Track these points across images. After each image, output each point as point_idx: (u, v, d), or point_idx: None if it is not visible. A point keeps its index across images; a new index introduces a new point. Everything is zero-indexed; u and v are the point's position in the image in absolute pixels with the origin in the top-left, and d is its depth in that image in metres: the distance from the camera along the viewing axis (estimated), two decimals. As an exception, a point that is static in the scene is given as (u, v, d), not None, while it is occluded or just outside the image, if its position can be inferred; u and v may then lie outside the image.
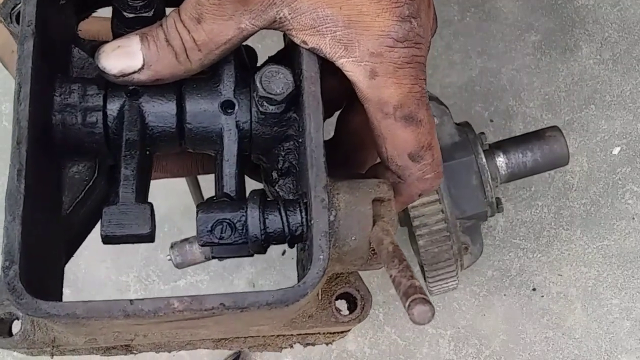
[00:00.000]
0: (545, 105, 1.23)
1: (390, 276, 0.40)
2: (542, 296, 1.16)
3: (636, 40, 1.24)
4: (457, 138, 0.88)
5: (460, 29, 1.30)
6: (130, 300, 0.40)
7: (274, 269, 1.22)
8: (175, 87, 0.47)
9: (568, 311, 1.15)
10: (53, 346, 0.49)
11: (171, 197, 1.26)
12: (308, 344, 0.55)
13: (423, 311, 0.36)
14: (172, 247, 0.94)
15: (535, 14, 1.27)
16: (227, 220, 0.45)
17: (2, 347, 0.48)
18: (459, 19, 1.30)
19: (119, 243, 0.45)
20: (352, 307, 0.51)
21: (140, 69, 0.45)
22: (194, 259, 0.96)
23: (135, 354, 0.53)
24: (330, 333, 0.53)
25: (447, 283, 0.94)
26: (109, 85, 0.46)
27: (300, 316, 0.50)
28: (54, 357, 0.52)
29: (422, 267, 0.96)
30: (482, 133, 0.92)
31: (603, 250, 1.17)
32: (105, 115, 0.46)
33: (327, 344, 0.56)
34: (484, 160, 0.88)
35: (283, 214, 0.45)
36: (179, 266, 0.97)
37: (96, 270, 1.25)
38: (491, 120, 1.23)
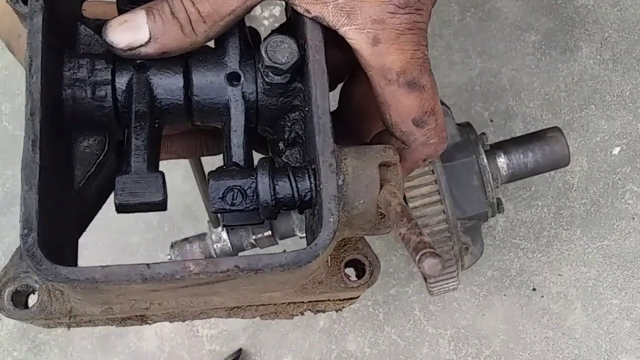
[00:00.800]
0: (545, 105, 1.23)
1: (400, 234, 0.41)
2: (542, 296, 1.16)
3: (636, 40, 1.24)
4: (459, 139, 0.88)
5: (460, 29, 1.30)
6: (148, 264, 0.41)
7: (274, 269, 1.22)
8: (182, 60, 0.48)
9: (568, 311, 1.15)
10: (70, 316, 0.50)
11: (171, 197, 1.25)
12: (318, 311, 0.55)
13: (433, 264, 0.38)
14: (172, 246, 0.95)
15: (535, 14, 1.27)
16: (238, 187, 0.46)
17: (20, 319, 0.49)
18: (459, 19, 1.30)
19: (132, 211, 0.46)
20: (360, 274, 0.52)
21: (147, 42, 0.46)
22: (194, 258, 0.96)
23: (150, 324, 0.53)
24: (340, 300, 0.54)
25: (447, 283, 0.94)
26: (117, 59, 0.47)
27: (311, 282, 0.51)
28: (70, 328, 0.53)
29: (422, 267, 0.96)
30: (483, 133, 0.92)
31: (603, 250, 1.17)
32: (114, 88, 0.46)
33: (336, 310, 0.56)
34: (485, 160, 0.88)
35: (292, 179, 0.45)
36: None
37: (96, 270, 1.25)
38: (491, 120, 1.23)
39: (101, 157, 0.48)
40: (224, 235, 0.94)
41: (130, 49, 0.46)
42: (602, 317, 1.15)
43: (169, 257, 0.94)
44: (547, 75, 1.25)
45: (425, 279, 0.94)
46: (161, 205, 0.46)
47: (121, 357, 1.21)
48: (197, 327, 1.21)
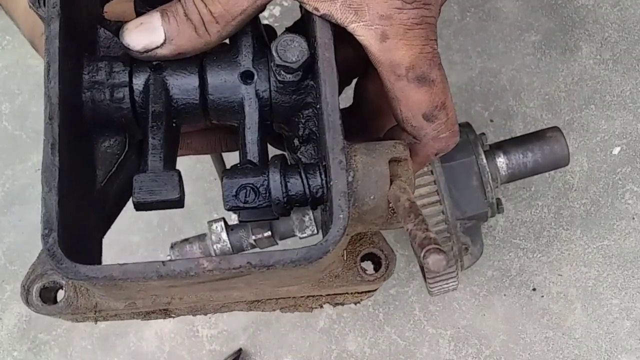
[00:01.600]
0: (545, 105, 1.23)
1: (407, 230, 0.42)
2: (542, 296, 1.16)
3: (636, 40, 1.24)
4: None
5: (460, 29, 1.30)
6: (163, 262, 0.43)
7: (274, 269, 1.22)
8: (197, 61, 0.49)
9: (568, 311, 1.15)
10: (95, 311, 0.51)
11: (171, 197, 1.26)
12: (337, 304, 0.56)
13: (438, 259, 0.38)
14: (172, 247, 0.95)
15: (535, 14, 1.27)
16: (251, 185, 0.47)
17: (48, 314, 0.51)
18: (459, 19, 1.30)
19: (150, 209, 0.47)
20: (377, 267, 0.53)
21: (162, 44, 0.47)
22: None
23: (174, 317, 0.54)
24: (358, 293, 0.55)
25: (447, 284, 0.94)
26: (134, 61, 0.48)
27: (327, 276, 0.51)
28: (98, 322, 0.54)
29: (422, 268, 0.96)
30: (483, 134, 0.92)
31: (603, 250, 1.17)
32: (131, 90, 0.47)
33: (355, 303, 0.57)
34: (485, 161, 0.88)
35: (304, 177, 0.46)
36: None
37: (96, 270, 1.25)
38: (491, 120, 1.23)
39: (122, 157, 0.49)
40: (224, 235, 0.94)
41: (147, 51, 0.47)
42: (602, 317, 1.15)
43: (168, 257, 0.94)
44: (547, 75, 1.25)
45: (425, 278, 0.94)
46: (178, 203, 0.46)
47: (121, 357, 1.21)
48: (197, 327, 1.21)
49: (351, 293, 0.55)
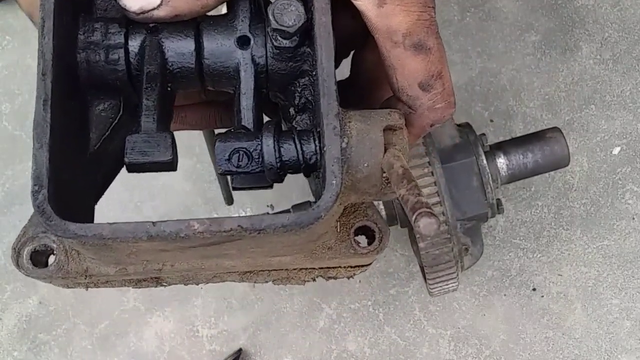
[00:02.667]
0: (545, 105, 1.23)
1: (399, 195, 0.41)
2: (542, 296, 1.16)
3: (636, 40, 1.24)
4: (458, 139, 0.88)
5: (460, 29, 1.30)
6: (153, 222, 0.42)
7: (274, 269, 1.22)
8: (194, 24, 0.48)
9: (568, 311, 1.15)
10: (86, 276, 0.51)
11: (171, 197, 1.26)
12: (330, 277, 0.56)
13: (428, 223, 0.38)
14: None
15: (535, 14, 1.27)
16: (244, 149, 0.46)
17: (39, 277, 0.50)
18: (459, 19, 1.30)
19: (142, 171, 0.46)
20: (370, 240, 0.52)
21: (158, 6, 0.46)
22: None
23: (165, 286, 0.54)
24: (351, 267, 0.55)
25: (447, 284, 0.94)
26: (130, 23, 0.47)
27: (320, 248, 0.51)
28: (88, 288, 0.54)
29: (422, 268, 0.96)
30: (483, 134, 0.92)
31: (603, 250, 1.17)
32: (127, 52, 0.47)
33: (348, 277, 0.57)
34: (485, 161, 0.88)
35: (297, 142, 0.46)
36: None
37: (96, 270, 1.25)
38: (491, 120, 1.23)
39: (116, 121, 0.48)
40: None
41: (143, 12, 0.46)
42: (602, 317, 1.15)
43: None
44: (547, 75, 1.25)
45: (425, 279, 0.94)
46: (170, 165, 0.46)
47: (121, 357, 1.21)
48: (197, 327, 1.21)
49: (344, 267, 0.54)
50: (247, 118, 0.50)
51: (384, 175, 0.46)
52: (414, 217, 0.38)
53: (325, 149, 0.44)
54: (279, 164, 0.46)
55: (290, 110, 0.51)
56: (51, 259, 0.50)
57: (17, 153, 1.33)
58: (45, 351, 1.23)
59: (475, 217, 0.90)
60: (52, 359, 1.22)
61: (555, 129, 0.94)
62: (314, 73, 0.47)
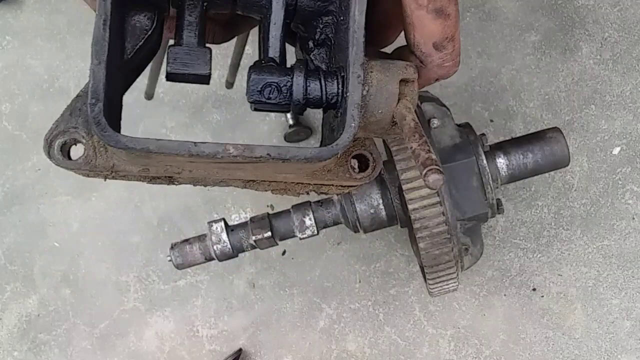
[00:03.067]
0: (545, 105, 1.23)
1: (411, 148, 0.47)
2: (542, 296, 1.16)
3: (636, 40, 1.24)
4: (458, 140, 0.88)
5: (460, 29, 1.30)
6: (195, 143, 0.47)
7: (273, 269, 1.22)
8: None
9: (568, 311, 1.15)
10: (112, 171, 0.56)
11: (171, 197, 1.26)
12: (322, 193, 0.62)
13: (437, 179, 0.44)
14: (172, 247, 0.94)
15: (535, 14, 1.27)
16: (275, 84, 0.51)
17: (67, 168, 0.55)
18: (459, 19, 1.30)
19: (181, 81, 0.51)
20: (363, 167, 0.57)
21: None
22: (194, 260, 0.96)
23: (176, 184, 0.58)
24: (342, 186, 0.60)
25: (447, 284, 0.94)
26: None
27: (321, 170, 0.56)
28: (107, 179, 0.59)
29: (422, 268, 0.96)
30: (483, 134, 0.91)
31: (603, 250, 1.17)
32: None
33: (337, 194, 0.62)
34: (485, 161, 0.88)
35: (323, 83, 0.51)
36: (179, 267, 0.97)
37: (96, 270, 1.25)
38: (491, 120, 1.23)
39: (149, 33, 0.52)
40: (224, 236, 0.94)
41: None
42: (602, 317, 1.15)
43: (168, 258, 0.94)
44: (547, 75, 1.25)
45: (425, 279, 0.94)
46: (206, 79, 0.51)
47: (121, 357, 1.21)
48: (197, 327, 1.21)
49: (336, 185, 0.59)
50: (274, 48, 0.54)
51: (393, 120, 0.52)
52: (424, 172, 0.44)
53: (348, 94, 0.49)
54: (304, 101, 0.51)
55: (310, 43, 0.56)
56: (74, 150, 0.55)
57: (17, 153, 1.33)
58: (45, 351, 1.23)
59: (475, 217, 0.90)
60: (52, 359, 1.22)
61: (555, 129, 0.94)
62: (340, 17, 0.52)
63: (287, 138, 1.25)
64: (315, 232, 0.95)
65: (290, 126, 1.25)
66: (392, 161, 0.87)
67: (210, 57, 0.51)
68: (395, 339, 1.17)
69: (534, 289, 1.17)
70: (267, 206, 1.24)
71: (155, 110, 1.29)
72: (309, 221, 0.95)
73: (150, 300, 1.23)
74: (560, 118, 1.22)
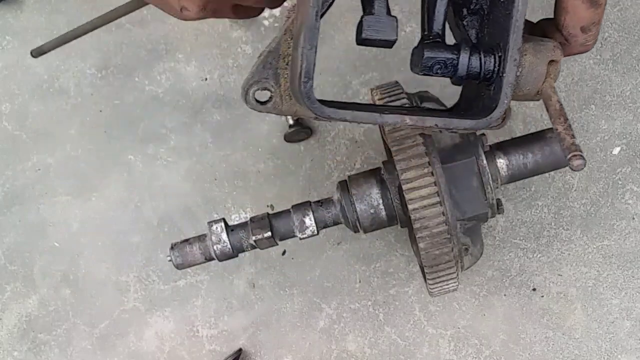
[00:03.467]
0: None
1: (556, 130, 0.54)
2: (542, 296, 1.16)
3: (636, 40, 1.24)
4: (458, 140, 0.88)
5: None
6: (380, 114, 0.58)
7: (273, 269, 1.22)
8: None
9: (568, 311, 1.15)
10: (295, 114, 0.68)
11: (171, 197, 1.26)
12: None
13: (580, 164, 0.52)
14: (172, 247, 0.94)
15: (535, 15, 1.27)
16: (443, 60, 0.60)
17: (260, 110, 0.68)
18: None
19: (371, 45, 0.59)
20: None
21: None
22: (194, 260, 0.96)
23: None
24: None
25: (447, 284, 0.94)
26: None
27: None
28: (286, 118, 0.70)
29: (422, 268, 0.96)
30: (483, 134, 0.91)
31: (603, 250, 1.17)
32: None
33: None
34: (485, 161, 0.88)
35: (482, 61, 0.59)
36: (179, 267, 0.97)
37: (96, 270, 1.25)
38: (491, 121, 1.23)
39: (332, 2, 0.61)
40: (224, 236, 0.94)
41: None
42: (602, 317, 1.15)
43: (168, 258, 0.94)
44: (547, 75, 1.24)
45: (425, 279, 0.94)
46: (391, 44, 0.59)
47: (121, 357, 1.21)
48: (197, 327, 1.21)
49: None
50: (438, 22, 0.63)
51: (537, 94, 0.61)
52: (569, 156, 0.51)
53: (504, 74, 0.57)
54: (465, 75, 0.60)
55: (464, 10, 0.63)
56: (259, 95, 0.67)
57: (17, 153, 1.33)
58: (45, 351, 1.23)
59: (475, 217, 0.90)
60: (52, 359, 1.23)
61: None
62: None
63: (287, 138, 1.25)
64: (315, 232, 0.95)
65: (290, 126, 1.25)
66: (392, 161, 0.87)
67: (397, 25, 0.59)
68: (395, 339, 1.17)
69: (534, 289, 1.17)
70: (267, 206, 1.24)
71: (155, 110, 1.29)
72: (309, 221, 0.95)
73: (150, 300, 1.23)
74: (560, 118, 1.22)
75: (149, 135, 1.28)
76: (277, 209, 1.24)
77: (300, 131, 1.24)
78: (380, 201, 0.93)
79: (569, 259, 1.17)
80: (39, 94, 1.31)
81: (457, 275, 0.92)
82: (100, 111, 1.30)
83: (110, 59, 1.33)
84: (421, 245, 0.85)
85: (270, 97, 0.68)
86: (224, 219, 0.95)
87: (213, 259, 0.96)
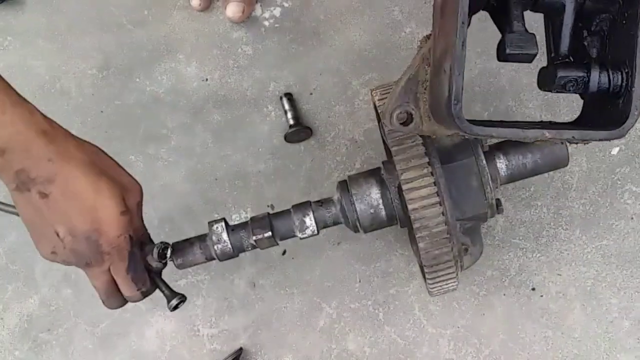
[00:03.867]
0: (544, 106, 1.24)
1: None
2: (542, 296, 1.17)
3: (635, 41, 1.25)
4: (457, 140, 0.89)
5: (459, 30, 1.30)
6: (523, 129, 0.64)
7: (274, 269, 1.22)
8: None
9: (567, 311, 1.16)
10: (434, 134, 0.76)
11: (171, 198, 1.26)
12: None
13: None
14: (172, 248, 0.95)
15: (535, 15, 1.27)
16: (575, 78, 0.66)
17: (402, 131, 0.77)
18: None
19: (514, 61, 0.65)
20: None
21: None
22: (194, 259, 0.97)
23: None
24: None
25: (447, 284, 0.94)
26: None
27: None
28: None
29: (422, 268, 0.96)
30: (482, 134, 0.92)
31: (602, 250, 1.17)
32: None
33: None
34: (484, 161, 0.89)
35: (610, 77, 0.65)
36: (179, 267, 0.97)
37: (97, 270, 1.26)
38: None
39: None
40: (224, 236, 0.94)
41: None
42: (601, 317, 1.15)
43: (170, 258, 0.94)
44: (547, 76, 1.25)
45: (425, 278, 0.94)
46: (533, 57, 0.65)
47: (122, 357, 1.22)
48: (198, 326, 1.21)
49: None
50: (564, 43, 0.69)
51: None
52: None
53: (633, 88, 0.63)
54: (596, 91, 0.65)
55: (584, 31, 0.68)
56: (405, 117, 0.75)
57: (18, 153, 1.33)
58: (47, 350, 1.23)
59: (475, 217, 0.90)
60: (53, 359, 1.23)
61: None
62: (618, 16, 0.65)
63: (288, 138, 1.25)
64: (316, 231, 0.96)
65: (290, 126, 1.25)
66: (392, 161, 0.88)
67: (536, 39, 0.64)
68: (395, 338, 1.18)
69: (533, 289, 1.17)
70: (267, 206, 1.24)
71: (156, 110, 1.30)
72: (309, 221, 0.95)
73: (151, 300, 1.23)
74: (560, 118, 1.23)
75: (150, 136, 1.29)
76: (277, 209, 1.25)
77: (300, 131, 1.25)
78: (380, 201, 0.93)
79: (568, 259, 1.18)
80: (41, 94, 1.31)
81: (457, 275, 0.92)
82: (102, 112, 1.30)
83: (111, 59, 1.34)
84: (421, 245, 0.86)
85: (412, 119, 0.75)
86: (224, 219, 0.96)
87: (214, 258, 0.96)
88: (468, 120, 0.63)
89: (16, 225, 1.29)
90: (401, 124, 0.75)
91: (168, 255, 0.90)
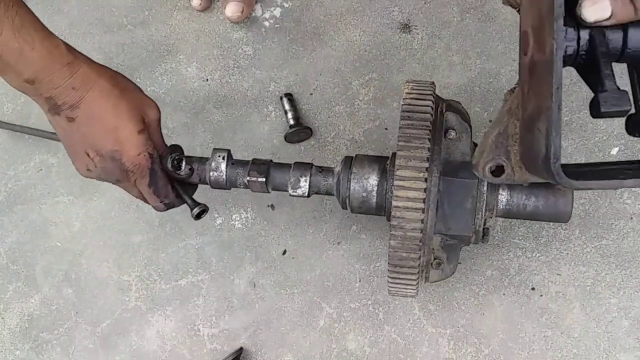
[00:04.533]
0: (544, 106, 1.24)
1: None
2: (541, 295, 1.17)
3: (634, 41, 1.25)
4: (468, 158, 0.88)
5: (459, 30, 1.30)
6: (621, 180, 0.68)
7: (274, 269, 1.23)
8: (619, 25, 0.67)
9: (567, 310, 1.16)
10: (526, 182, 0.77)
11: (172, 197, 1.26)
12: None
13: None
14: (186, 159, 0.98)
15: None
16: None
17: (494, 181, 0.78)
18: (459, 20, 1.31)
19: (609, 116, 0.66)
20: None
21: (607, 19, 0.64)
22: (188, 174, 1.00)
23: None
24: None
25: (406, 289, 0.93)
26: (581, 25, 0.66)
27: None
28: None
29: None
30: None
31: (601, 249, 1.18)
32: (578, 40, 0.67)
33: None
34: (485, 188, 0.88)
35: None
36: (170, 173, 0.99)
37: (98, 269, 1.26)
38: (490, 121, 1.24)
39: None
40: (223, 166, 0.98)
41: (595, 22, 0.64)
42: (601, 316, 1.15)
43: (169, 165, 0.97)
44: (546, 76, 1.25)
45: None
46: (627, 113, 0.66)
47: (123, 356, 1.22)
48: (198, 326, 1.22)
49: None
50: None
51: None
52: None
53: None
54: None
55: None
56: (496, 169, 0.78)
57: (19, 153, 1.34)
58: (47, 350, 1.24)
59: (457, 237, 0.89)
60: (54, 358, 1.23)
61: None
62: None
63: (288, 138, 1.26)
64: (306, 193, 0.97)
65: (290, 126, 1.26)
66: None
67: (629, 97, 0.65)
68: (395, 337, 1.18)
69: (533, 288, 1.17)
70: (268, 206, 1.25)
71: (156, 110, 1.30)
72: (303, 182, 0.97)
73: (152, 300, 1.24)
74: (569, 112, 1.23)
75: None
76: (278, 209, 1.25)
77: (300, 131, 1.25)
78: (375, 188, 0.93)
79: (568, 259, 1.18)
80: (41, 94, 1.32)
81: (418, 283, 0.92)
82: (102, 112, 1.31)
83: (112, 59, 1.34)
84: (392, 242, 0.86)
85: (504, 170, 0.77)
86: (228, 151, 0.99)
87: (206, 183, 1.00)
88: (564, 172, 0.65)
89: (16, 225, 1.30)
90: (492, 173, 0.77)
91: (183, 166, 0.97)
